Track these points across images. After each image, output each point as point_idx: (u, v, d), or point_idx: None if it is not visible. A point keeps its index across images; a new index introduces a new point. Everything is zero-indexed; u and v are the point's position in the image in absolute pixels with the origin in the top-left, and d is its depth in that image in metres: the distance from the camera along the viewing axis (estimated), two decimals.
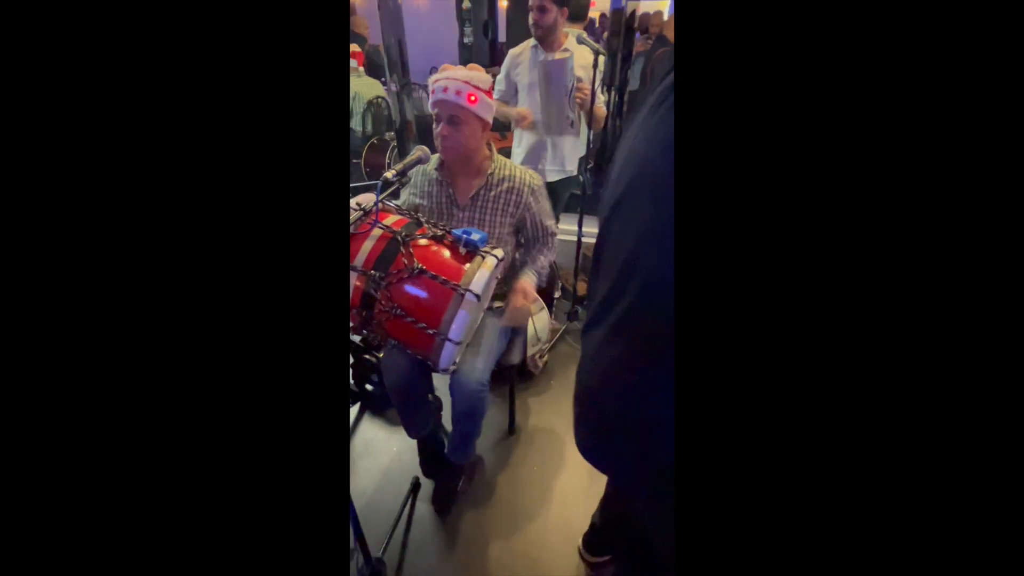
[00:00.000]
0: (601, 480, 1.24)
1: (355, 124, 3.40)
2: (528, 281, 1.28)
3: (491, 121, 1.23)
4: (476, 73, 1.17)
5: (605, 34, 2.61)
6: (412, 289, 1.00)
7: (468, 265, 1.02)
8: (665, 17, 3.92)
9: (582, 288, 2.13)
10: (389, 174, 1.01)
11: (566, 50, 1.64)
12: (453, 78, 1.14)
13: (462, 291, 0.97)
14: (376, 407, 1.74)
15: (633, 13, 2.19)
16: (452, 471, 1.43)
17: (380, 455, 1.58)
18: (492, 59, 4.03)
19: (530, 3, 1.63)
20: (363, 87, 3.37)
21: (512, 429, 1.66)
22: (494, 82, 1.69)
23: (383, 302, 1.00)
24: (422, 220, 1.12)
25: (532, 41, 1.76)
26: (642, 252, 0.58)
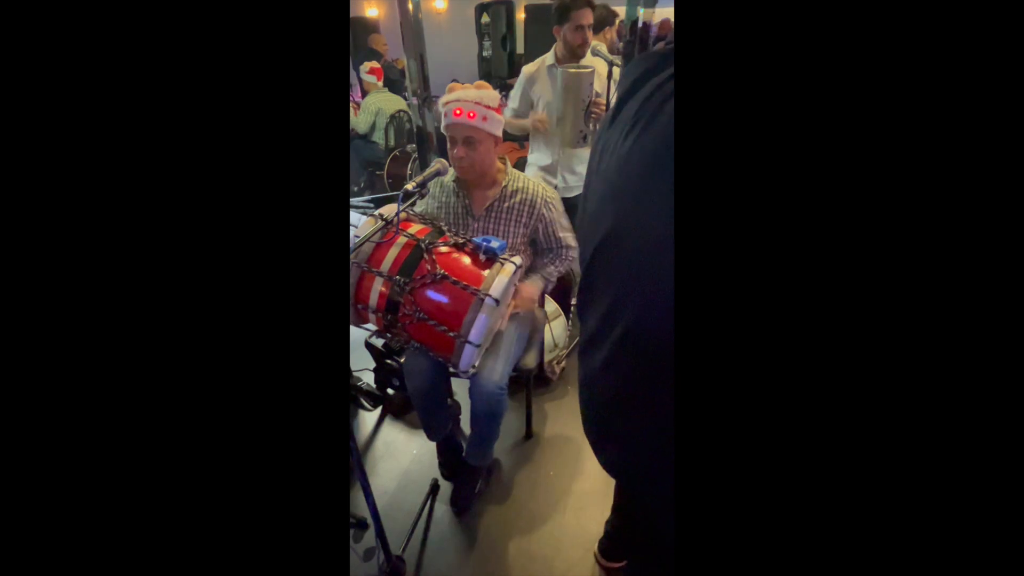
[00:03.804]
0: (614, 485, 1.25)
1: (378, 137, 3.52)
2: (531, 285, 1.31)
3: (502, 136, 1.28)
4: (484, 92, 1.22)
5: (620, 43, 2.65)
6: (435, 294, 1.04)
7: (488, 271, 1.06)
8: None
9: None
10: (409, 186, 1.07)
11: (587, 66, 1.69)
12: (464, 100, 1.19)
13: (482, 296, 1.01)
14: (396, 410, 1.78)
15: (648, 22, 2.22)
16: (470, 473, 1.45)
17: (400, 456, 1.62)
18: (510, 71, 4.11)
19: (579, 24, 1.68)
20: (385, 102, 3.48)
21: (529, 434, 1.69)
22: (503, 96, 1.75)
23: (407, 306, 1.04)
24: (444, 229, 1.17)
25: (548, 59, 1.82)
26: (631, 285, 0.58)
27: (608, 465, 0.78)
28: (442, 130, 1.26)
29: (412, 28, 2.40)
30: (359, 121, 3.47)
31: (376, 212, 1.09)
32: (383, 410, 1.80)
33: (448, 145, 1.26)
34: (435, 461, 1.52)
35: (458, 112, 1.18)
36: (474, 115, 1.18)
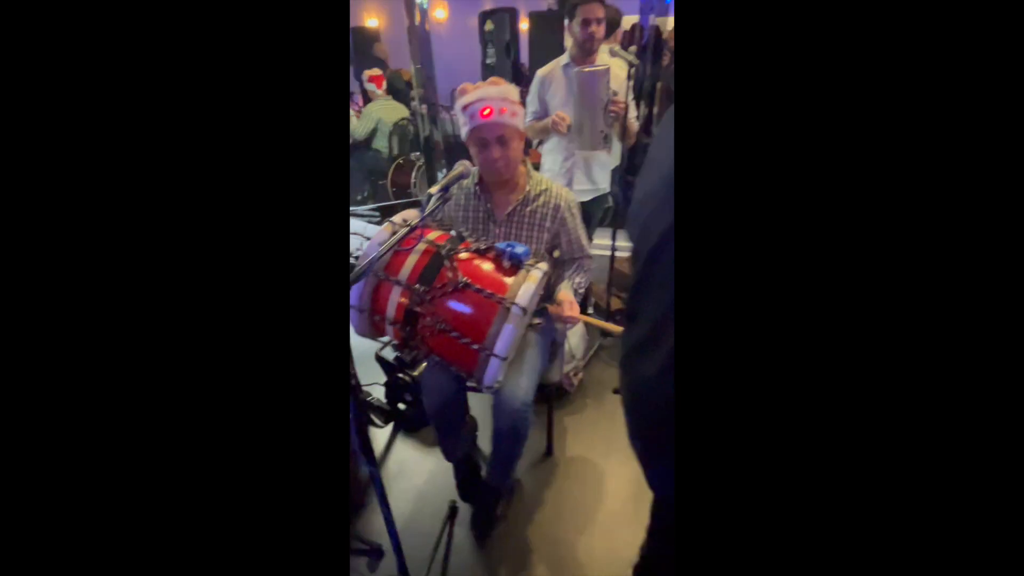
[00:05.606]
0: (644, 505, 1.17)
1: (380, 145, 3.47)
2: (569, 292, 1.23)
3: (525, 132, 1.22)
4: (504, 87, 1.16)
5: (632, 48, 2.61)
6: (457, 304, 0.97)
7: (512, 279, 0.99)
8: None
9: (616, 303, 2.07)
10: (433, 190, 1.00)
11: (602, 65, 1.63)
12: (491, 97, 1.12)
13: (508, 304, 0.94)
14: (409, 426, 1.70)
15: (658, 27, 2.19)
16: (490, 495, 1.37)
17: (414, 476, 1.53)
18: (514, 79, 4.09)
19: (585, 18, 1.61)
20: (387, 111, 3.44)
21: (549, 451, 1.60)
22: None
23: (427, 317, 0.97)
24: (464, 234, 1.10)
25: (563, 59, 1.76)
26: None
27: (655, 481, 0.72)
28: (464, 136, 1.19)
29: (419, 38, 2.36)
30: (358, 127, 3.42)
31: (399, 218, 1.01)
32: (395, 426, 1.71)
33: (477, 149, 1.18)
34: (451, 480, 1.44)
35: (487, 111, 1.11)
36: (504, 111, 1.12)
